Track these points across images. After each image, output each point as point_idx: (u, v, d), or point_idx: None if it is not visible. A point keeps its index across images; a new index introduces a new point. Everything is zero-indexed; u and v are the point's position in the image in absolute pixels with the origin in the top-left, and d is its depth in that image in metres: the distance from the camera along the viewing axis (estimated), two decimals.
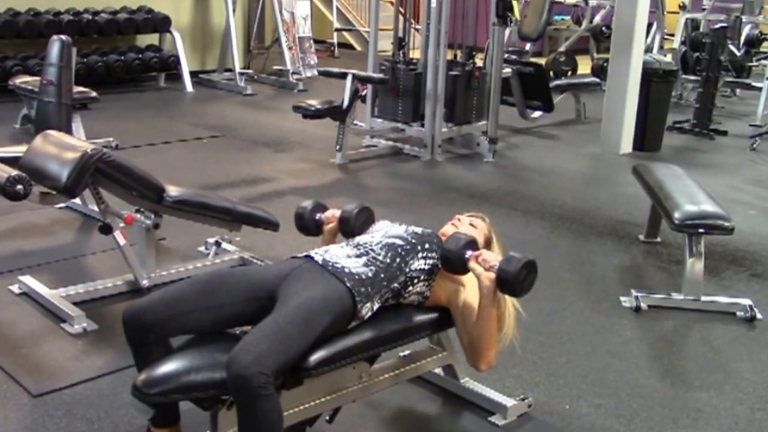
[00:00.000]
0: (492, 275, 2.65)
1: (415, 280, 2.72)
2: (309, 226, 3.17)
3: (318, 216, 3.16)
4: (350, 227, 3.04)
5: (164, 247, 4.53)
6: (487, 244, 2.98)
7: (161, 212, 3.98)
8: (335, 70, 7.65)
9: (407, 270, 2.70)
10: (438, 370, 3.28)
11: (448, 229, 2.95)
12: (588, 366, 3.58)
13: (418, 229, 2.86)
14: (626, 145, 7.57)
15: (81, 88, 6.48)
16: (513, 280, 2.63)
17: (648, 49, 9.84)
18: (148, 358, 2.46)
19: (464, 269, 2.73)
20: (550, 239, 5.24)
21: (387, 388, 2.94)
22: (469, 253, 2.72)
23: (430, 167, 6.99)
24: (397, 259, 2.69)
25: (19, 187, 3.70)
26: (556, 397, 3.31)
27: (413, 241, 2.76)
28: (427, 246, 2.77)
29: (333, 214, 3.13)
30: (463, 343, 2.83)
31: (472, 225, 3.00)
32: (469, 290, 2.80)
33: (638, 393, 3.37)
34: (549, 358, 3.62)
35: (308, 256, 2.71)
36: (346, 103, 6.83)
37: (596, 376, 3.49)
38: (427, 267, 2.73)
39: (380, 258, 2.68)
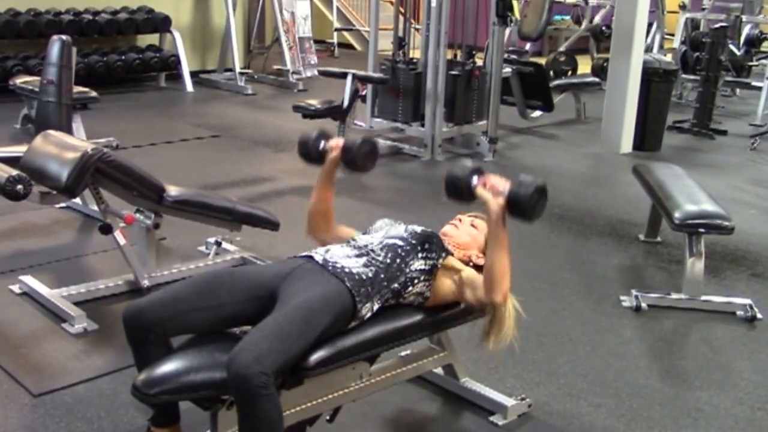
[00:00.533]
0: (501, 201, 2.60)
1: (415, 281, 2.72)
2: (312, 153, 3.06)
3: (322, 144, 3.05)
4: (352, 156, 2.95)
5: (164, 246, 4.52)
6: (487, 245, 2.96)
7: (161, 212, 3.98)
8: (335, 69, 7.65)
9: (407, 270, 2.70)
10: (438, 370, 3.28)
11: (449, 230, 2.96)
12: (588, 365, 3.58)
13: (419, 229, 2.85)
14: (626, 144, 7.57)
15: (81, 88, 6.48)
16: (525, 204, 2.57)
17: (648, 49, 9.84)
18: (148, 357, 2.46)
19: (471, 196, 2.68)
20: (550, 239, 5.24)
21: (387, 387, 2.94)
22: (476, 178, 2.67)
23: (431, 167, 6.99)
24: (397, 260, 2.69)
25: (19, 186, 3.71)
26: (557, 396, 3.31)
27: (413, 241, 2.76)
28: (427, 246, 2.76)
29: (337, 143, 3.02)
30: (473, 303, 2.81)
31: (473, 225, 2.99)
32: (466, 270, 2.80)
33: (638, 393, 3.37)
34: (549, 358, 3.63)
35: (308, 256, 2.71)
36: (346, 102, 6.83)
37: (596, 375, 3.49)
38: (426, 267, 2.73)
39: (380, 258, 2.68)
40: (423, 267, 2.73)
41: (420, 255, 2.74)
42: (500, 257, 2.64)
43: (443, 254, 2.80)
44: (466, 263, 2.85)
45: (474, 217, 3.04)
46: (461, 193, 2.70)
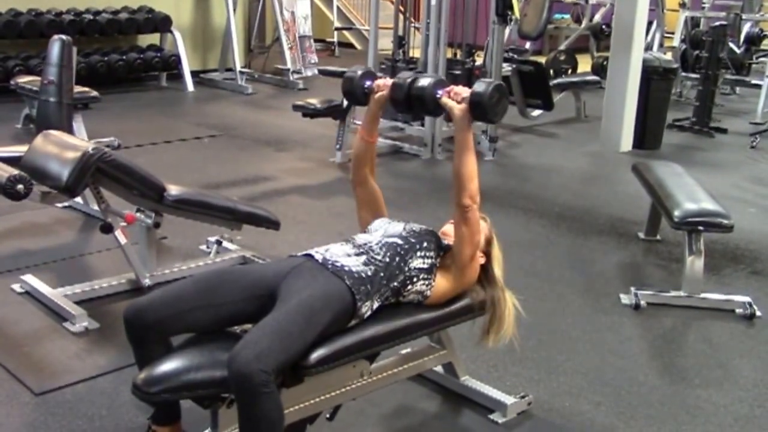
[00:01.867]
0: (464, 106, 2.72)
1: (414, 279, 2.72)
2: (357, 92, 3.03)
3: (367, 83, 3.01)
4: (403, 94, 2.91)
5: (165, 246, 4.54)
6: (488, 244, 2.97)
7: (162, 211, 3.98)
8: (336, 69, 7.67)
9: (406, 269, 2.71)
10: (438, 368, 3.29)
11: (448, 229, 2.96)
12: (588, 363, 3.59)
13: (417, 227, 2.86)
14: (626, 143, 7.58)
15: (82, 88, 6.49)
16: (486, 103, 2.69)
17: (648, 47, 9.85)
18: (149, 356, 2.47)
19: (437, 107, 2.82)
20: (550, 237, 5.25)
21: (387, 385, 2.95)
22: (440, 91, 2.80)
23: (431, 166, 7.00)
24: (396, 258, 2.70)
25: (20, 186, 3.72)
26: (556, 394, 3.32)
27: (412, 240, 2.77)
28: (425, 245, 2.77)
29: (384, 82, 2.99)
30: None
31: None
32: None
33: (638, 390, 3.38)
34: (549, 356, 3.64)
35: (308, 255, 2.72)
36: (346, 102, 6.84)
37: (596, 373, 3.50)
38: (426, 266, 2.74)
39: (379, 257, 2.69)
40: (422, 266, 2.73)
41: (419, 253, 2.74)
42: (467, 160, 2.74)
43: (442, 253, 2.81)
44: None
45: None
46: (428, 106, 2.85)
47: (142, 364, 2.49)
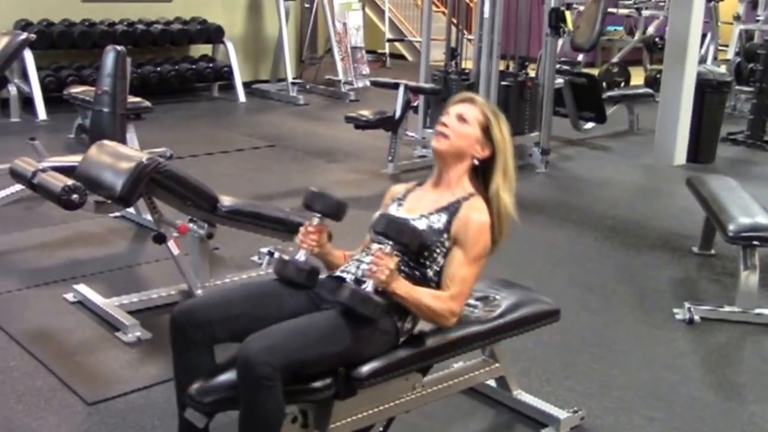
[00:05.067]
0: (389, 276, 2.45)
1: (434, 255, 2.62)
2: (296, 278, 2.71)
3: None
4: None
5: (217, 256, 4.56)
6: (486, 132, 2.72)
7: (215, 222, 4.00)
8: (388, 80, 7.68)
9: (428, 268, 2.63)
10: (490, 382, 3.25)
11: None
12: (641, 378, 3.53)
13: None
14: (680, 156, 7.48)
15: (135, 98, 6.56)
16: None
17: (702, 60, 9.71)
18: (191, 363, 2.47)
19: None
20: (603, 251, 5.18)
21: (439, 399, 2.93)
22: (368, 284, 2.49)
23: None
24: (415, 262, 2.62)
25: (75, 196, 3.76)
26: (609, 409, 3.27)
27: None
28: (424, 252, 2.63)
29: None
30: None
31: (462, 119, 2.72)
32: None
33: (692, 406, 3.32)
34: (602, 371, 3.59)
35: (341, 278, 2.65)
36: (398, 113, 6.84)
37: (649, 388, 3.45)
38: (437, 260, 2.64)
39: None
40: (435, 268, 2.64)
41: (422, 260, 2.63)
42: (420, 309, 2.56)
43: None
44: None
45: (460, 104, 2.80)
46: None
47: (181, 373, 2.49)
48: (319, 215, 2.73)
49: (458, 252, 2.61)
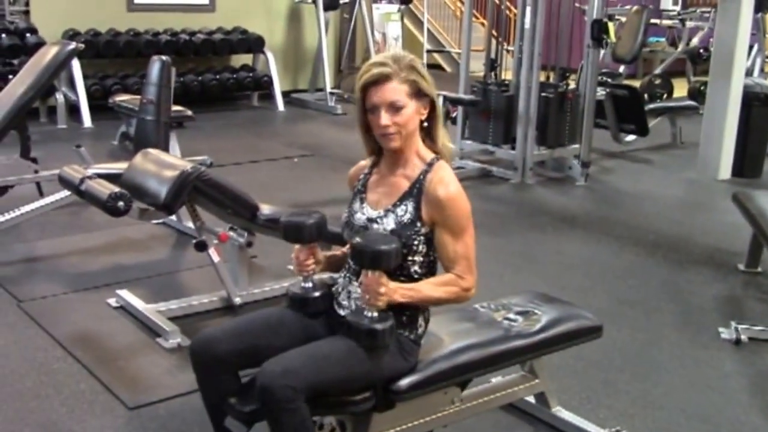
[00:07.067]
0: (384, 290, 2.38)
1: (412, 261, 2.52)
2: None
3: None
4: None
5: (256, 265, 4.57)
6: (418, 94, 2.48)
7: (255, 230, 4.02)
8: None
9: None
10: (530, 398, 3.22)
11: None
12: (685, 399, 3.47)
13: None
14: (725, 170, 7.36)
15: (177, 107, 6.62)
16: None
17: (748, 72, 9.58)
18: (214, 387, 2.46)
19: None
20: (645, 266, 5.11)
21: (478, 413, 2.89)
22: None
23: (521, 190, 6.92)
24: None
25: (120, 203, 3.80)
26: (652, 430, 3.22)
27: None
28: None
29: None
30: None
31: (394, 108, 2.45)
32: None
33: (738, 429, 3.25)
34: (644, 389, 3.53)
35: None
36: None
37: (694, 409, 3.38)
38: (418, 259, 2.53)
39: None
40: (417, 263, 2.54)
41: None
42: (432, 301, 2.52)
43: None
44: None
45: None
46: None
47: (209, 397, 2.48)
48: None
49: (443, 234, 2.47)
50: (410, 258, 2.49)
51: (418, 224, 2.48)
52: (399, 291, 2.41)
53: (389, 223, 2.50)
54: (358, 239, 2.42)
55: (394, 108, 2.44)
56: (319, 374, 2.29)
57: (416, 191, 2.49)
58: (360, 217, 2.59)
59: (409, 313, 2.50)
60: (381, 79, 2.43)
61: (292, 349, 2.35)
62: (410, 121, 2.47)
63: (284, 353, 2.33)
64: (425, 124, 2.54)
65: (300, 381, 2.24)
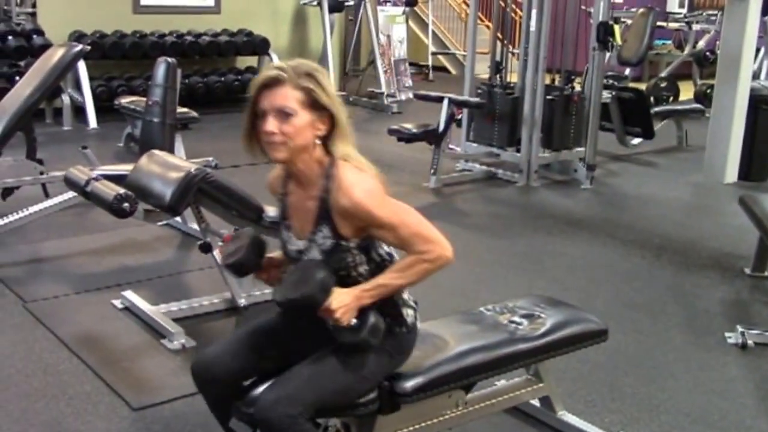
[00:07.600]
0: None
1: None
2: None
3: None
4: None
5: None
6: (314, 105, 2.30)
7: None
8: (432, 93, 7.65)
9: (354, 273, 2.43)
10: (534, 401, 3.21)
11: None
12: (690, 403, 3.45)
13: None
14: (731, 174, 7.34)
15: (182, 108, 6.61)
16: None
17: (755, 76, 9.57)
18: (219, 400, 2.47)
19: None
20: (650, 270, 5.10)
21: (482, 417, 2.89)
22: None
23: (526, 193, 6.91)
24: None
25: (126, 204, 3.81)
26: None
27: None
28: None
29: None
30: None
31: (283, 114, 2.27)
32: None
33: None
34: (649, 394, 3.51)
35: None
36: (441, 127, 6.82)
37: (699, 414, 3.37)
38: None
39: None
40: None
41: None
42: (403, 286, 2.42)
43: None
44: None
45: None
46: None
47: (215, 408, 2.49)
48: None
49: (377, 231, 2.34)
50: (354, 273, 2.39)
51: (343, 242, 2.34)
52: (363, 296, 2.31)
53: (315, 254, 2.38)
54: (276, 297, 2.35)
55: (283, 114, 2.26)
56: (315, 393, 2.28)
57: (325, 212, 2.34)
58: (291, 249, 2.48)
59: (388, 310, 2.42)
60: (273, 83, 2.27)
61: (285, 374, 2.32)
62: (300, 134, 2.27)
63: (277, 379, 2.31)
64: (321, 140, 2.33)
65: (297, 406, 2.22)
